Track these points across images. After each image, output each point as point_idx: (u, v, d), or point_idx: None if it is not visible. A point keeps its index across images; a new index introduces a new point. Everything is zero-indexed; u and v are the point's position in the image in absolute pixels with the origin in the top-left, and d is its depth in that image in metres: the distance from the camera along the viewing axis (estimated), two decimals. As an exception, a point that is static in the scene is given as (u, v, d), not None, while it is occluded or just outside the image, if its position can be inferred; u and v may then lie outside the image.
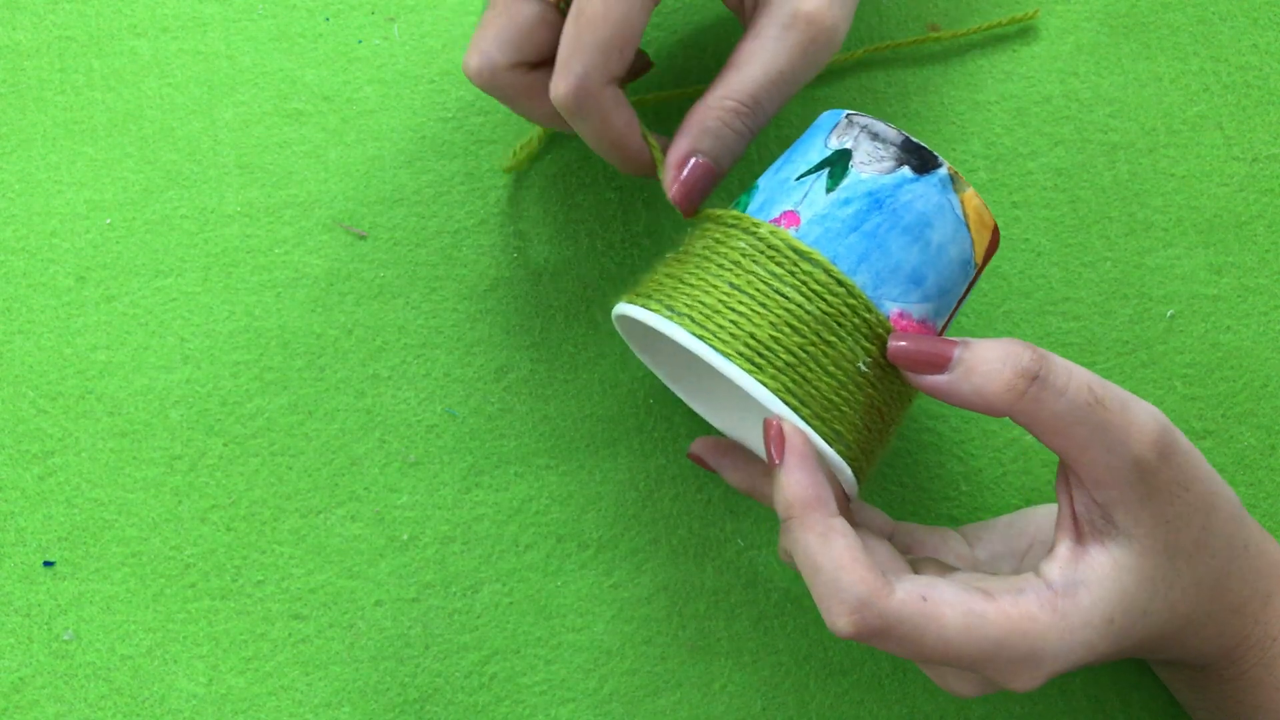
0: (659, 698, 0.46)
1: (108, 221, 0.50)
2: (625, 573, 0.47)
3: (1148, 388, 0.49)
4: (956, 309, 0.41)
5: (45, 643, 0.45)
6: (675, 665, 0.46)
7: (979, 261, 0.40)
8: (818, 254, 0.38)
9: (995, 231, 0.41)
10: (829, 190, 0.39)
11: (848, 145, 0.39)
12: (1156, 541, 0.37)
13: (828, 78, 0.52)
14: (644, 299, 0.40)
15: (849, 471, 0.38)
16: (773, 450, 0.37)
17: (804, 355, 0.38)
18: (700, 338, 0.38)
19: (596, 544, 0.47)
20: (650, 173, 0.44)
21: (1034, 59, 0.53)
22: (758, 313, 0.38)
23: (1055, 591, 0.36)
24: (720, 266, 0.39)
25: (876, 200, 0.39)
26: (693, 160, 0.41)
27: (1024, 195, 0.51)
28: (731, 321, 0.38)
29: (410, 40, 0.52)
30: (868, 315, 0.38)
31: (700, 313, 0.38)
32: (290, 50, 0.52)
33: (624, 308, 0.40)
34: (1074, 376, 0.36)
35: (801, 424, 0.37)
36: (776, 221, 0.39)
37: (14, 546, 0.46)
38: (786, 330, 0.38)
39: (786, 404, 0.37)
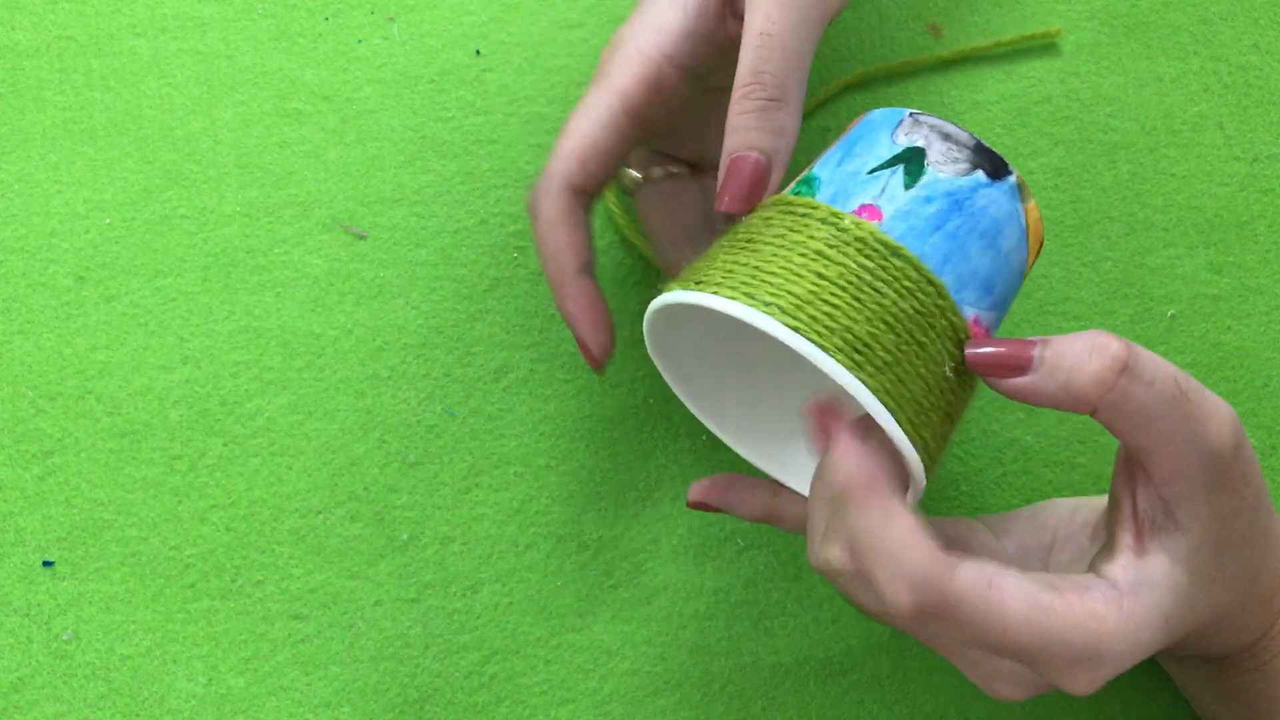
0: (659, 698, 0.46)
1: (107, 221, 0.50)
2: (625, 573, 0.47)
3: (1148, 388, 0.49)
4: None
5: (45, 643, 0.45)
6: (675, 665, 0.46)
7: (1028, 271, 0.40)
8: (907, 250, 0.36)
9: (1041, 244, 0.40)
10: (908, 187, 0.37)
11: (919, 144, 0.38)
12: (1210, 536, 0.36)
13: (827, 79, 0.52)
14: (715, 286, 0.36)
15: (924, 482, 0.36)
16: (821, 431, 0.35)
17: (899, 354, 0.36)
18: (795, 329, 0.35)
19: (596, 544, 0.47)
20: (574, 320, 0.42)
21: (1034, 58, 0.53)
22: (853, 306, 0.35)
23: (1121, 591, 0.35)
24: (803, 255, 0.36)
25: (956, 202, 0.37)
26: (737, 157, 0.39)
27: (1024, 195, 0.51)
28: (826, 314, 0.35)
29: (410, 40, 0.52)
30: (954, 319, 0.36)
31: (790, 303, 0.35)
32: (290, 50, 0.52)
33: (688, 295, 0.36)
34: (1160, 368, 0.35)
35: (897, 429, 0.35)
36: (857, 213, 0.37)
37: (14, 546, 0.46)
38: (882, 327, 0.35)
39: (885, 406, 0.35)
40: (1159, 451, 0.35)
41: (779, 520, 0.42)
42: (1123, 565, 0.36)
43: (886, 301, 0.36)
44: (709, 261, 0.38)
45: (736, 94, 0.39)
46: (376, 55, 0.52)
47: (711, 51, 0.43)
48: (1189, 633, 0.37)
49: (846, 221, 0.36)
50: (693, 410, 0.43)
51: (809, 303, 0.35)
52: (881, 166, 0.38)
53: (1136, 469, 0.37)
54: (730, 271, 0.37)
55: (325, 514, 0.47)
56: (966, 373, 0.37)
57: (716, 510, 0.43)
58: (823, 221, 0.37)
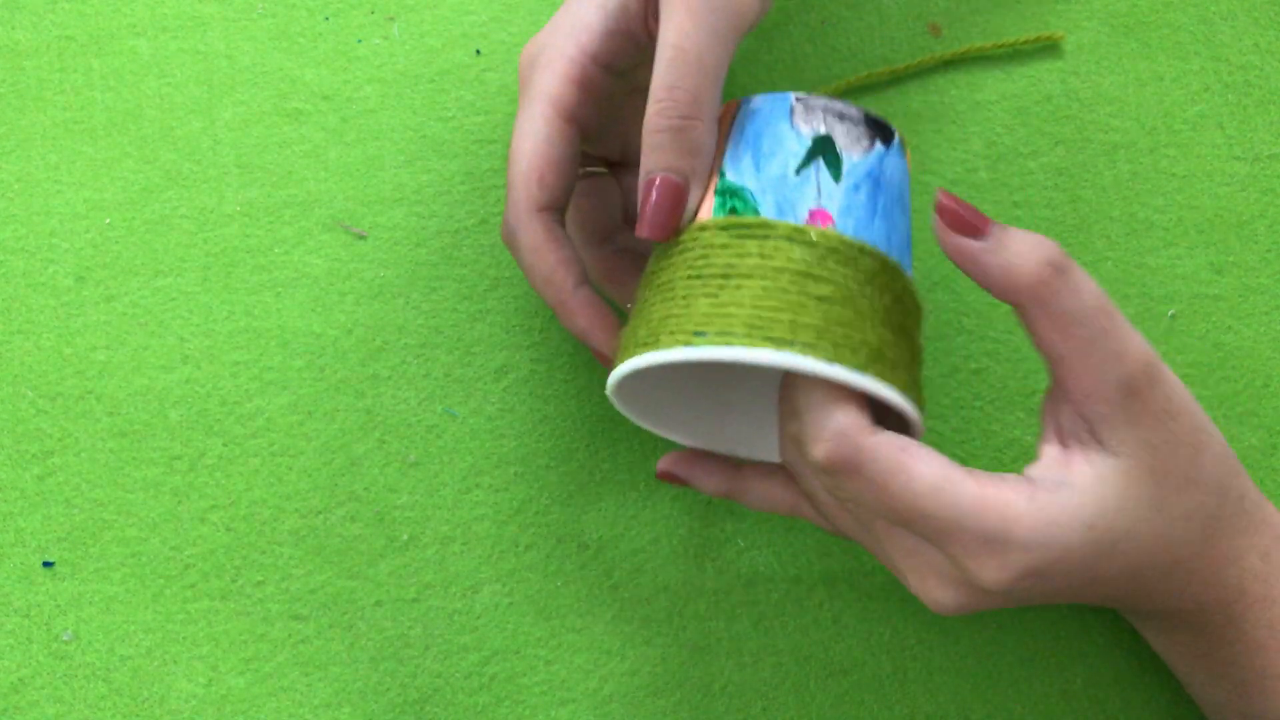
0: (659, 698, 0.46)
1: (107, 221, 0.50)
2: (625, 573, 0.47)
3: (1148, 388, 0.49)
4: None
5: (45, 643, 0.45)
6: (675, 666, 0.46)
7: None
8: (869, 244, 0.38)
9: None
10: (836, 180, 0.39)
11: (823, 131, 0.39)
12: (1141, 463, 0.37)
13: (828, 79, 0.52)
14: (725, 337, 0.36)
15: (921, 426, 0.39)
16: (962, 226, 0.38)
17: (901, 349, 0.38)
18: (832, 361, 0.36)
19: (596, 544, 0.47)
20: (585, 334, 0.42)
21: (1034, 58, 0.53)
22: (857, 318, 0.37)
23: (1035, 485, 0.37)
24: (793, 281, 0.37)
25: (875, 180, 0.39)
26: (654, 179, 0.39)
27: (1024, 195, 0.51)
28: (844, 336, 0.37)
29: (410, 40, 0.52)
30: (913, 292, 0.39)
31: (812, 336, 0.36)
32: (290, 50, 0.52)
33: (704, 351, 0.36)
34: (1090, 283, 0.37)
35: (919, 421, 0.38)
36: (810, 221, 0.38)
37: (13, 547, 0.46)
38: (884, 329, 0.37)
39: (909, 399, 0.37)
40: (1076, 363, 0.37)
41: (741, 496, 0.44)
42: (1042, 466, 0.38)
43: (877, 303, 0.37)
44: (679, 303, 0.38)
45: (651, 109, 0.39)
46: (376, 55, 0.52)
47: (633, 49, 0.43)
48: (1137, 566, 0.38)
49: (813, 235, 0.38)
50: (672, 437, 0.44)
51: (827, 330, 0.37)
52: (804, 164, 0.39)
53: (1057, 390, 0.38)
54: (726, 313, 0.37)
55: (325, 514, 0.47)
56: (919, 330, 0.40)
57: (683, 483, 0.44)
58: (789, 240, 0.37)
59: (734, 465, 0.44)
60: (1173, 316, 0.50)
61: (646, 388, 0.42)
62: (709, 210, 0.39)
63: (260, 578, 0.46)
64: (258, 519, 0.47)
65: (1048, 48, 0.53)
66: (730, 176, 0.39)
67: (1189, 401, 0.38)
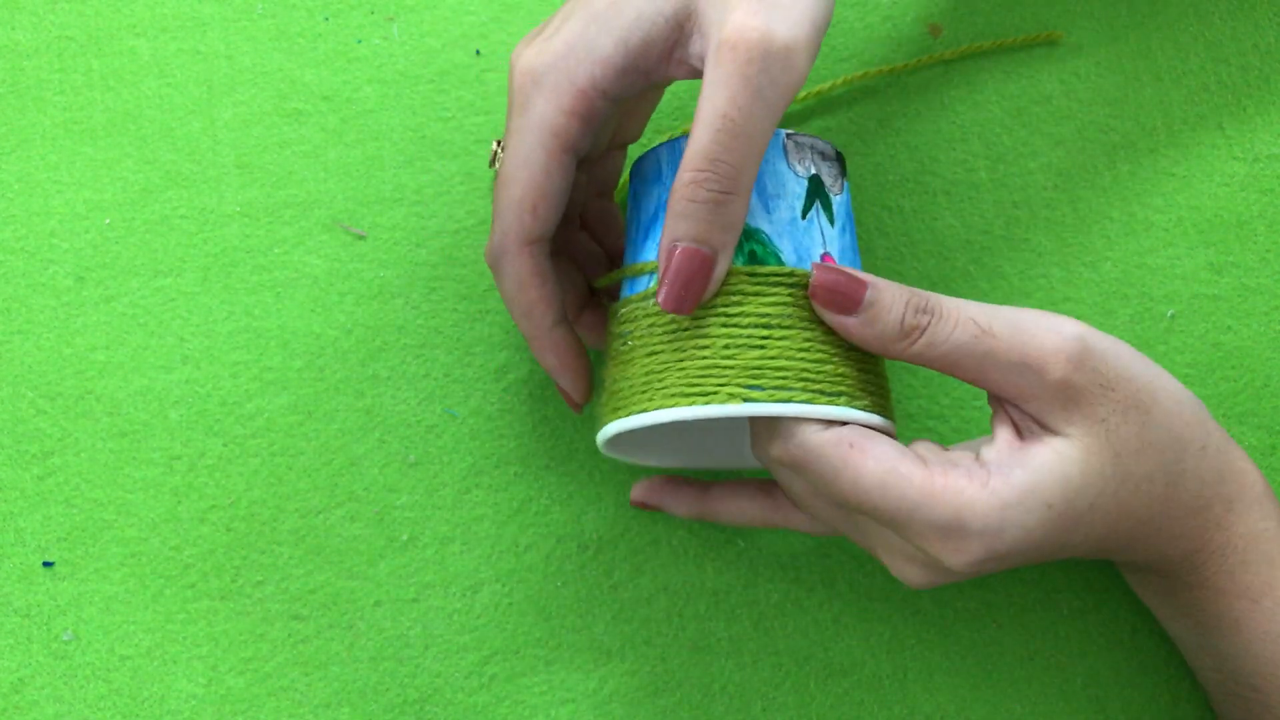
0: (659, 698, 0.46)
1: (107, 221, 0.50)
2: (625, 573, 0.47)
3: (1148, 388, 0.49)
4: None
5: (45, 643, 0.45)
6: (675, 666, 0.46)
7: None
8: None
9: None
10: (831, 224, 0.40)
11: (814, 171, 0.40)
12: (1097, 439, 0.38)
13: (828, 79, 0.52)
14: (788, 392, 0.38)
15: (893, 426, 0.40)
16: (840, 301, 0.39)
17: (880, 376, 0.40)
18: (865, 409, 0.38)
19: (596, 544, 0.47)
20: (554, 371, 0.43)
21: (1034, 58, 0.53)
22: (862, 360, 0.39)
23: (988, 470, 0.37)
24: (826, 334, 0.39)
25: (848, 214, 0.41)
26: (681, 249, 0.37)
27: (1024, 195, 0.51)
28: (863, 384, 0.39)
29: (410, 40, 0.52)
30: None
31: (852, 385, 0.39)
32: (290, 50, 0.52)
33: (790, 408, 0.38)
34: (960, 315, 0.38)
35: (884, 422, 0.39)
36: None
37: (13, 547, 0.46)
38: (871, 362, 0.40)
39: (882, 417, 0.39)
40: (986, 385, 0.38)
41: (712, 516, 0.45)
42: (997, 449, 0.38)
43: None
44: (718, 352, 0.38)
45: (686, 175, 0.37)
46: (376, 55, 0.52)
47: (646, 86, 0.41)
48: (1103, 535, 0.39)
49: None
50: (652, 464, 0.45)
51: (859, 380, 0.39)
52: (806, 207, 0.40)
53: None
54: (779, 366, 0.38)
55: (325, 514, 0.47)
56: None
57: (655, 509, 0.46)
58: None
59: (702, 488, 0.45)
60: (1172, 316, 0.50)
61: (640, 430, 0.43)
62: None
63: (260, 578, 0.46)
64: (257, 519, 0.47)
65: (1048, 48, 0.53)
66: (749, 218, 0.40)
67: (1127, 364, 0.39)
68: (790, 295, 0.38)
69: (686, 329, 0.38)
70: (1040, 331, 0.38)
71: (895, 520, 0.37)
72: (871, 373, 0.39)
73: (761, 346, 0.38)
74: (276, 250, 0.49)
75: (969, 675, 0.46)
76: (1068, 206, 0.51)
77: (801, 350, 0.38)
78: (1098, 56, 0.53)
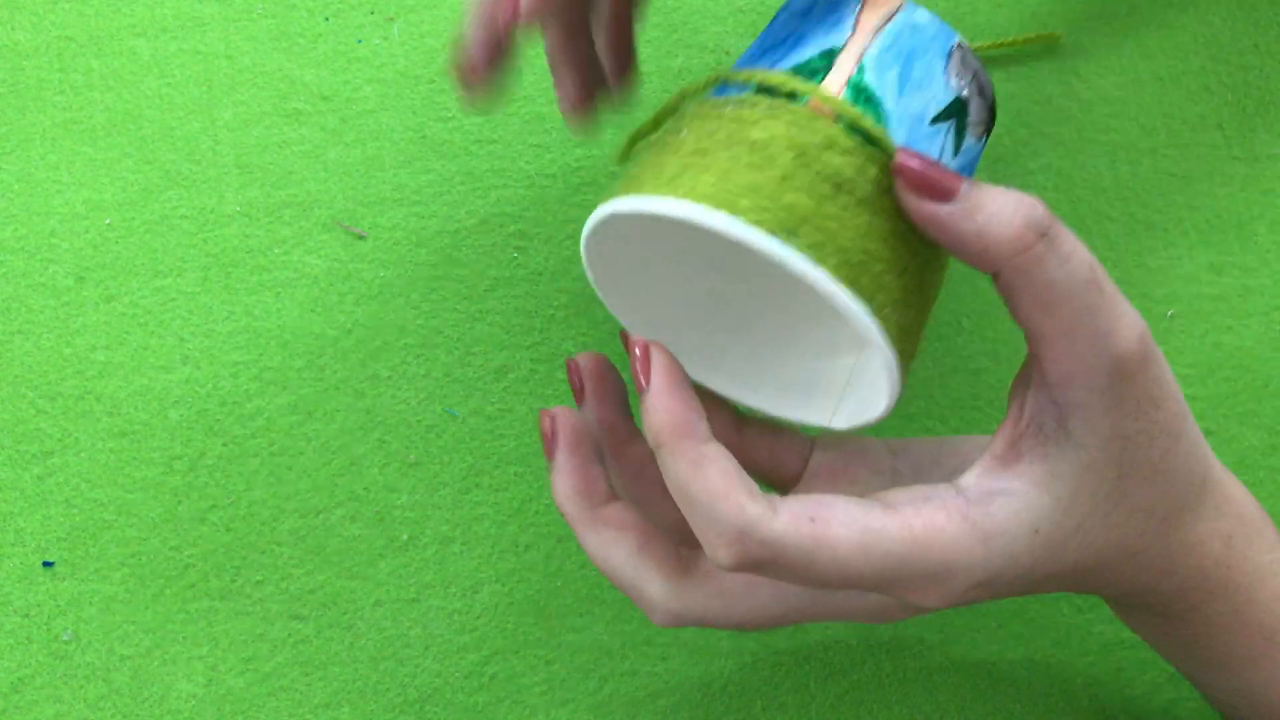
0: (659, 698, 0.46)
1: (107, 221, 0.50)
2: (625, 573, 0.47)
3: (1148, 388, 0.49)
4: None
5: (44, 643, 0.45)
6: (675, 666, 0.46)
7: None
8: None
9: None
10: (954, 154, 0.35)
11: (965, 94, 0.35)
12: (1109, 456, 0.34)
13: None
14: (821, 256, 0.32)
15: (892, 356, 0.33)
16: (639, 374, 0.34)
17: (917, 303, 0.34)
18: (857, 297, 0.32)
19: (596, 544, 0.47)
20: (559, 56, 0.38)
21: (1034, 59, 0.53)
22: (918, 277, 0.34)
23: (966, 499, 0.34)
24: (893, 215, 0.33)
25: (969, 173, 0.36)
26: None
27: (1024, 195, 0.51)
28: (906, 312, 0.34)
29: (410, 40, 0.52)
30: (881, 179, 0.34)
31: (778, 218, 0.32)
32: (290, 50, 0.52)
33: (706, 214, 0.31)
34: (1079, 248, 0.33)
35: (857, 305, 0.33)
36: None
37: (13, 547, 0.46)
38: (919, 283, 0.34)
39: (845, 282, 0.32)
40: (1059, 341, 0.33)
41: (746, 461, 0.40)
42: (978, 474, 0.34)
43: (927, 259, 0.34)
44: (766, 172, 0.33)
45: None
46: (376, 55, 0.52)
47: None
48: (1089, 562, 0.35)
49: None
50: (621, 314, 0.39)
51: (893, 291, 0.33)
52: (940, 117, 0.35)
53: (1033, 368, 0.35)
54: (825, 237, 0.32)
55: (325, 514, 0.47)
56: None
57: (578, 396, 0.40)
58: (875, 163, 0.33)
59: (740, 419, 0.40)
60: (1172, 316, 0.50)
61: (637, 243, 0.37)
62: (839, 87, 0.34)
63: (260, 578, 0.46)
64: (257, 519, 0.47)
65: (1048, 48, 0.53)
66: (870, 78, 0.34)
67: (1174, 386, 0.35)
68: (878, 173, 0.33)
69: (751, 143, 0.33)
70: (1126, 306, 0.33)
71: (883, 583, 0.33)
72: (915, 306, 0.34)
73: (819, 199, 0.32)
74: (276, 250, 0.49)
75: (969, 675, 0.46)
76: (1068, 206, 0.51)
77: (856, 228, 0.32)
78: (1098, 56, 0.53)
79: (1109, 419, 0.33)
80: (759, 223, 0.31)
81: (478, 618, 0.46)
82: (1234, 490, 0.38)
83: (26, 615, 0.46)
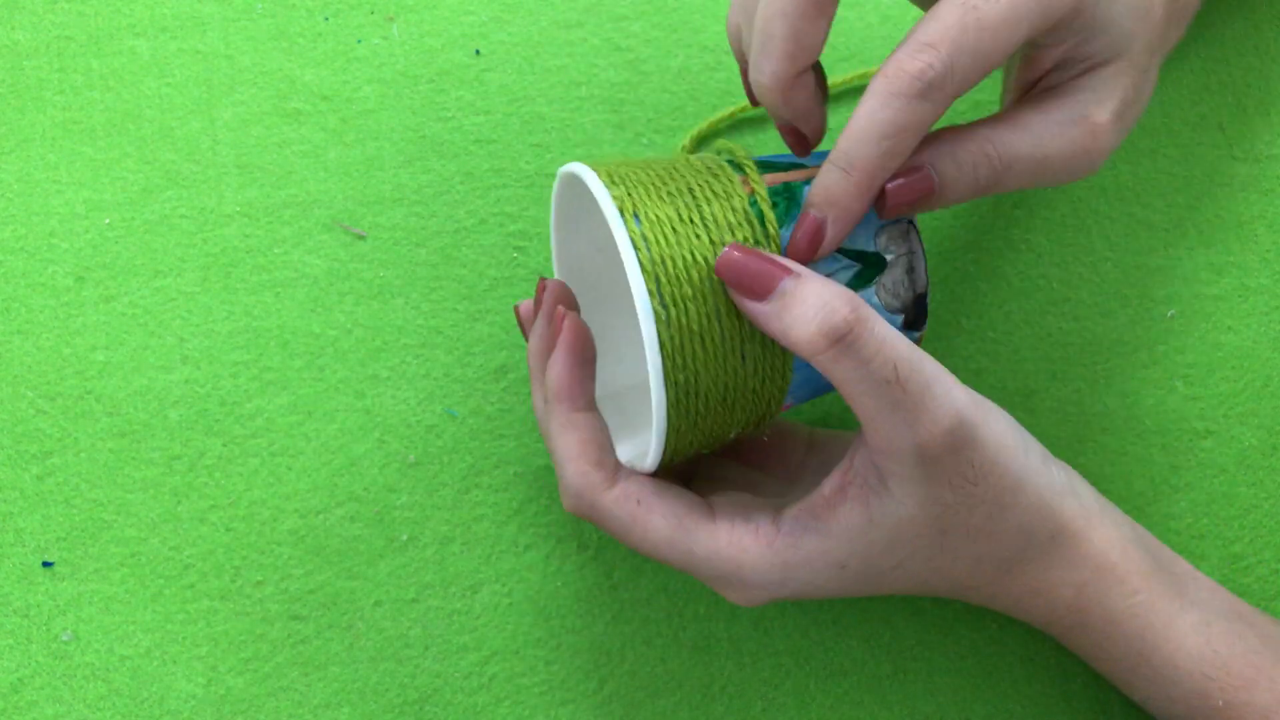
0: (659, 698, 0.46)
1: (107, 221, 0.50)
2: (625, 573, 0.47)
3: (1148, 388, 0.49)
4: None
5: (44, 643, 0.45)
6: (675, 666, 0.46)
7: None
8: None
9: None
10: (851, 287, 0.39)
11: (888, 256, 0.39)
12: (927, 516, 0.37)
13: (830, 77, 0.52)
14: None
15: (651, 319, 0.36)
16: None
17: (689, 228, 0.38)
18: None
19: (596, 544, 0.47)
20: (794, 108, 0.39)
21: (1034, 59, 0.53)
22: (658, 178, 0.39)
23: (778, 530, 0.38)
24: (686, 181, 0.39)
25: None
26: (922, 170, 0.37)
27: (1024, 195, 0.51)
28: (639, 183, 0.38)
29: (409, 40, 0.52)
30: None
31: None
32: (289, 50, 0.52)
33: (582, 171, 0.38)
34: (883, 351, 0.35)
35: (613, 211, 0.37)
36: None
37: (13, 547, 0.46)
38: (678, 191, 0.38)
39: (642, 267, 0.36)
40: (867, 424, 0.36)
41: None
42: (799, 510, 0.38)
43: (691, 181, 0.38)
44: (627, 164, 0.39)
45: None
46: (376, 55, 0.52)
47: None
48: (915, 586, 0.40)
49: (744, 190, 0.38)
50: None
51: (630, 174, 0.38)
52: (848, 254, 0.38)
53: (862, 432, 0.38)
54: (670, 262, 0.37)
55: (325, 514, 0.47)
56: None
57: (522, 330, 0.45)
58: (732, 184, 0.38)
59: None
60: (1172, 316, 0.50)
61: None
62: (779, 182, 0.39)
63: (260, 578, 0.46)
64: (257, 519, 0.47)
65: (1047, 48, 0.53)
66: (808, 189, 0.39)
67: (1004, 461, 0.38)
68: (751, 225, 0.37)
69: (672, 166, 0.39)
70: (935, 403, 0.36)
71: (685, 570, 0.39)
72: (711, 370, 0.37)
73: (689, 224, 0.37)
74: (276, 250, 0.49)
75: (969, 675, 0.46)
76: (1068, 206, 0.51)
77: (699, 275, 0.36)
78: (1098, 56, 0.53)
79: (923, 488, 0.37)
80: (598, 173, 0.38)
81: (478, 618, 0.46)
82: (1097, 539, 0.40)
83: (26, 615, 0.46)
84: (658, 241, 0.36)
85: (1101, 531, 0.40)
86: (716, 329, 0.37)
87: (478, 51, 0.52)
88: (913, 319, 0.39)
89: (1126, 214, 0.51)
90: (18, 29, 0.52)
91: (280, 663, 0.45)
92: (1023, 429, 0.40)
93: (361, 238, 0.50)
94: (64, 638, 0.45)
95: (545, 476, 0.48)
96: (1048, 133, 0.38)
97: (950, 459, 0.36)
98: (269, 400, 0.48)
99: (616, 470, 0.39)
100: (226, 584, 0.46)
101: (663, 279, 0.36)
